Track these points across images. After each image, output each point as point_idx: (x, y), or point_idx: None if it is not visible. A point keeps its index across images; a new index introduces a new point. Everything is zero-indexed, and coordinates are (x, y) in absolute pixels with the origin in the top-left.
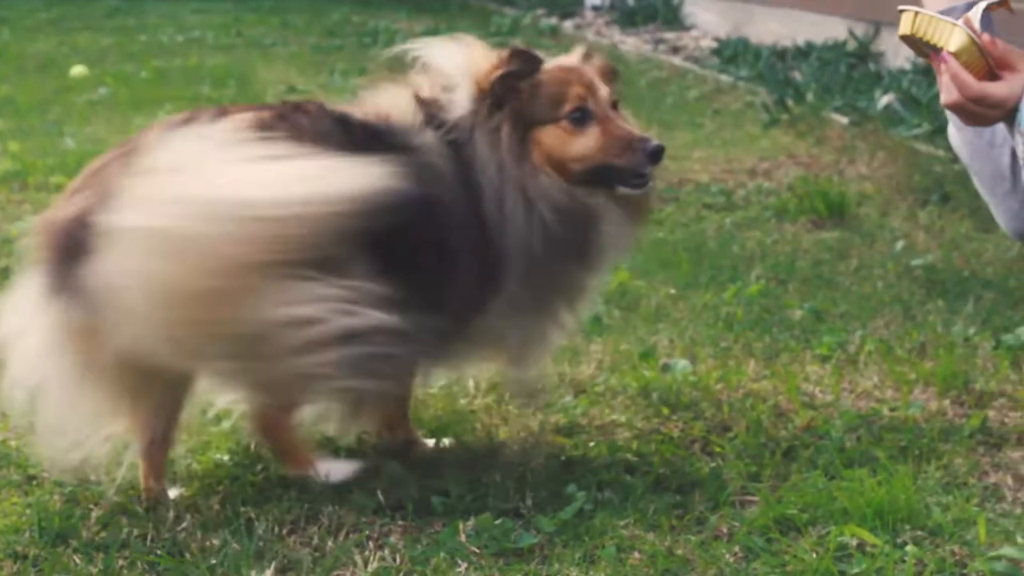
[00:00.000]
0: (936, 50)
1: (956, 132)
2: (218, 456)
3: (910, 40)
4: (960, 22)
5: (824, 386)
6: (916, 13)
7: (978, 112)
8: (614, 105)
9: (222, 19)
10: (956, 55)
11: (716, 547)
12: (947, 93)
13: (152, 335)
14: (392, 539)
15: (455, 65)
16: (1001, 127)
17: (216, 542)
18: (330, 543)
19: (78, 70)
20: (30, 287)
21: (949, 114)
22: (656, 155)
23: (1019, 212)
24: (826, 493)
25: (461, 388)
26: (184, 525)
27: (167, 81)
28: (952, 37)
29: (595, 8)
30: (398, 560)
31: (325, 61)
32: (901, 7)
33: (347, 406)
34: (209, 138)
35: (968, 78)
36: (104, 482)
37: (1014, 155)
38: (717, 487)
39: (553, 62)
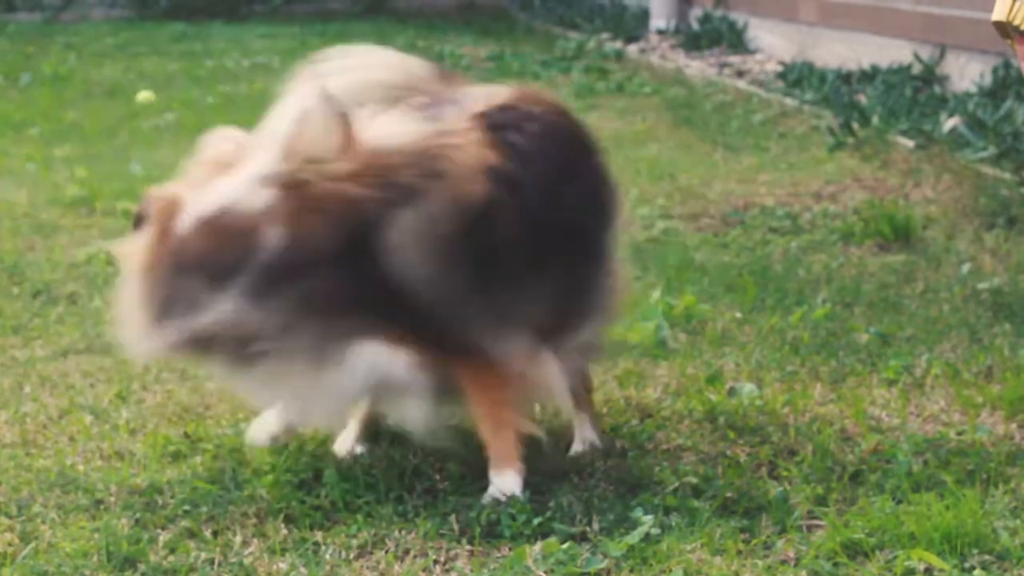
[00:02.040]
0: None
1: None
2: (285, 479)
3: (1002, 26)
4: None
5: (891, 410)
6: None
7: None
8: None
9: (288, 44)
10: None
11: (783, 572)
12: None
13: None
14: (459, 563)
15: None
16: None
17: (283, 566)
18: (397, 567)
19: (144, 96)
20: None
21: None
22: None
23: None
24: (893, 517)
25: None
26: (251, 549)
27: (234, 107)
28: None
29: (660, 32)
30: None
31: None
32: None
33: None
34: None
35: None
36: (172, 505)
37: None
38: (784, 511)
39: None
